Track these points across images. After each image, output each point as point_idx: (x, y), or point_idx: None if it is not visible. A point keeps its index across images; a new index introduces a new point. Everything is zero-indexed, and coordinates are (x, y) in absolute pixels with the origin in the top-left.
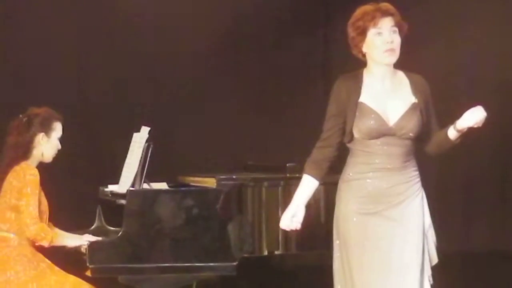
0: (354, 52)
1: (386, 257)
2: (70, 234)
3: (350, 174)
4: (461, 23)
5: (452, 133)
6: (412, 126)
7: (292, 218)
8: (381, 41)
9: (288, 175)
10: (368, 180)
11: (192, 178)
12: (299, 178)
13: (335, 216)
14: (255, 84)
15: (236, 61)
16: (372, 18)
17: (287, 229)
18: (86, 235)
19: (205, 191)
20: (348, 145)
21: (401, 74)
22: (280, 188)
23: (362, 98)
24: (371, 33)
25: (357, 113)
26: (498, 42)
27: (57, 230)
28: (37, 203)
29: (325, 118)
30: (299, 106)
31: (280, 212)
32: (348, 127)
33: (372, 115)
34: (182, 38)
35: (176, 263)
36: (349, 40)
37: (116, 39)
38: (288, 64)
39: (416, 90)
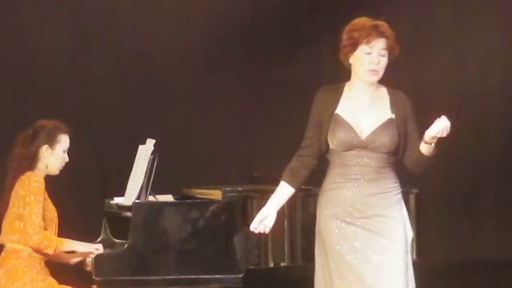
0: (341, 58)
1: (363, 267)
2: (78, 241)
3: (328, 184)
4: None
5: (422, 146)
6: (384, 141)
7: (260, 221)
8: (368, 60)
9: None
10: (343, 190)
11: (197, 190)
12: (304, 190)
13: (316, 225)
14: (261, 96)
15: (242, 73)
16: (367, 35)
17: (255, 231)
18: (96, 244)
19: (210, 203)
20: (327, 156)
21: (383, 90)
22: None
23: (338, 110)
24: (362, 49)
25: (331, 124)
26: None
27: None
28: (40, 211)
29: (307, 126)
30: (305, 118)
31: (285, 223)
32: (323, 138)
33: (345, 127)
34: (189, 51)
35: (182, 275)
36: (341, 45)
37: (122, 52)
38: (295, 76)
39: (394, 106)
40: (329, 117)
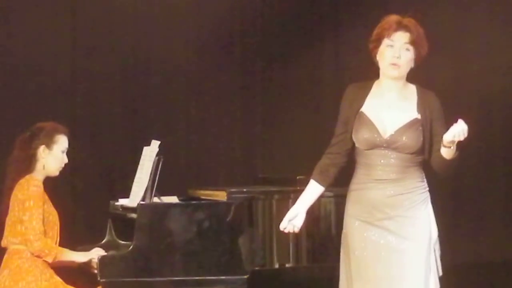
0: (372, 57)
1: (383, 268)
2: (77, 252)
3: (353, 184)
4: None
5: (442, 150)
6: (407, 141)
7: (289, 221)
8: (390, 54)
9: (298, 188)
10: (367, 191)
11: (202, 192)
12: None
13: (343, 224)
14: (265, 97)
15: (246, 74)
16: (388, 28)
17: (285, 231)
18: (96, 249)
19: (215, 204)
20: (355, 154)
21: (411, 88)
22: (290, 201)
23: (364, 108)
24: (384, 43)
25: (355, 122)
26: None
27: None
28: (41, 217)
29: (337, 124)
30: (309, 118)
31: None
32: (349, 135)
33: (368, 126)
34: (193, 53)
35: (187, 276)
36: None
37: (126, 54)
38: (298, 77)
39: (422, 106)
40: (354, 115)
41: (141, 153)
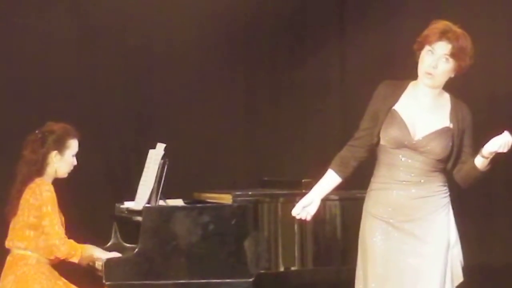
0: (416, 58)
1: (400, 271)
2: (98, 248)
3: (375, 184)
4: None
5: (478, 160)
6: (435, 147)
7: (303, 208)
8: (428, 61)
9: (304, 191)
10: (389, 192)
11: (208, 195)
12: None
13: (361, 224)
14: (271, 100)
15: (251, 76)
16: (432, 35)
17: (297, 217)
18: (114, 252)
19: (221, 207)
20: (377, 152)
21: (446, 96)
22: (295, 204)
23: (397, 106)
24: (426, 49)
25: (387, 119)
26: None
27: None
28: (59, 220)
29: (363, 117)
30: (315, 121)
31: (296, 228)
32: (377, 131)
33: (399, 125)
34: (199, 56)
35: (192, 279)
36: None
37: (130, 54)
38: (304, 79)
39: (455, 116)
40: (387, 111)
41: (146, 156)
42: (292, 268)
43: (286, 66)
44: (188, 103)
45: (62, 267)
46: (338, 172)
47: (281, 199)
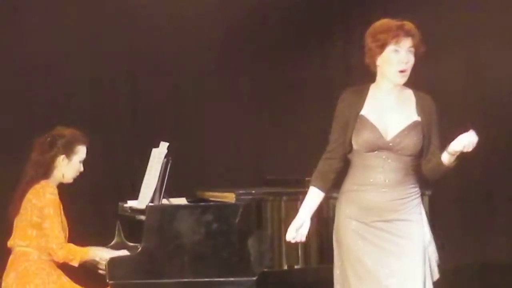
0: (367, 62)
1: (379, 268)
2: (101, 248)
3: (349, 185)
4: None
5: (444, 156)
6: (409, 143)
7: (297, 230)
8: (397, 60)
9: (307, 189)
10: (364, 193)
11: (211, 193)
12: None
13: (334, 226)
14: (274, 98)
15: (255, 75)
16: (395, 36)
17: (292, 241)
18: (123, 250)
19: (224, 206)
20: (349, 156)
21: (408, 91)
22: (299, 202)
23: (363, 111)
24: (390, 49)
25: (356, 126)
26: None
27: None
28: (60, 224)
29: (331, 130)
30: (318, 119)
31: None
32: (348, 139)
33: (370, 128)
34: (201, 55)
35: (196, 278)
36: (366, 49)
37: (134, 56)
38: (307, 77)
39: (421, 109)
40: (354, 118)
41: (149, 155)
42: (296, 266)
43: (289, 65)
44: (191, 102)
45: (66, 265)
46: (320, 188)
47: (284, 198)
